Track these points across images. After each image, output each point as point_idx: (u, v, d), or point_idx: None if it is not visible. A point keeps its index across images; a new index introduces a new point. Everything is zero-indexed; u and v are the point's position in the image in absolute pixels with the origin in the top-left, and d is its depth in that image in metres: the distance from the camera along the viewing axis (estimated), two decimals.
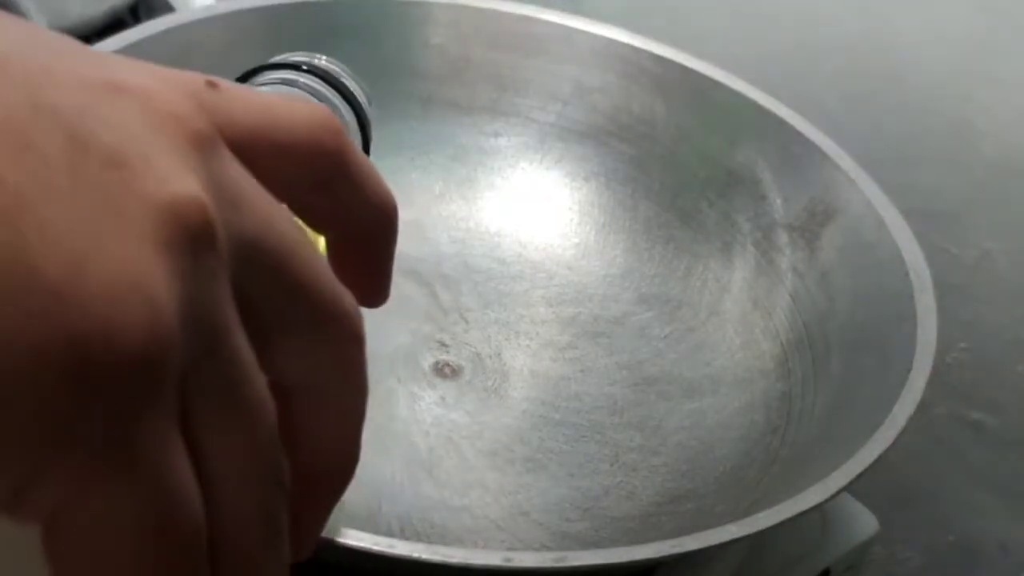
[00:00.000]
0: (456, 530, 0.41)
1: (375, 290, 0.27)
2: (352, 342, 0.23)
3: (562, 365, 0.48)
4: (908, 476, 0.55)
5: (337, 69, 0.37)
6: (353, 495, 0.41)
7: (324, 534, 0.31)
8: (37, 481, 0.19)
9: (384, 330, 0.47)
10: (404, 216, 0.50)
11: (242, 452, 0.21)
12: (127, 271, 0.19)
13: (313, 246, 0.23)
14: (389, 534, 0.39)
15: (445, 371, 0.46)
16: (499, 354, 0.47)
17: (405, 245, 0.50)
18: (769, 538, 0.35)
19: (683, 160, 0.52)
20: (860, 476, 0.36)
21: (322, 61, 0.36)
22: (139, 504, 0.19)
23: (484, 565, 0.32)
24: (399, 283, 0.49)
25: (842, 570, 0.42)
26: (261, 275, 0.21)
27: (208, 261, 0.20)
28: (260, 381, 0.21)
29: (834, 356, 0.44)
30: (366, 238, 0.26)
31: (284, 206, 0.23)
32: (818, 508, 0.35)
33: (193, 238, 0.20)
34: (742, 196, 0.50)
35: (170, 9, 0.55)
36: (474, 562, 0.32)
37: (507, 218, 0.52)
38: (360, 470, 0.41)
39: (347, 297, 0.23)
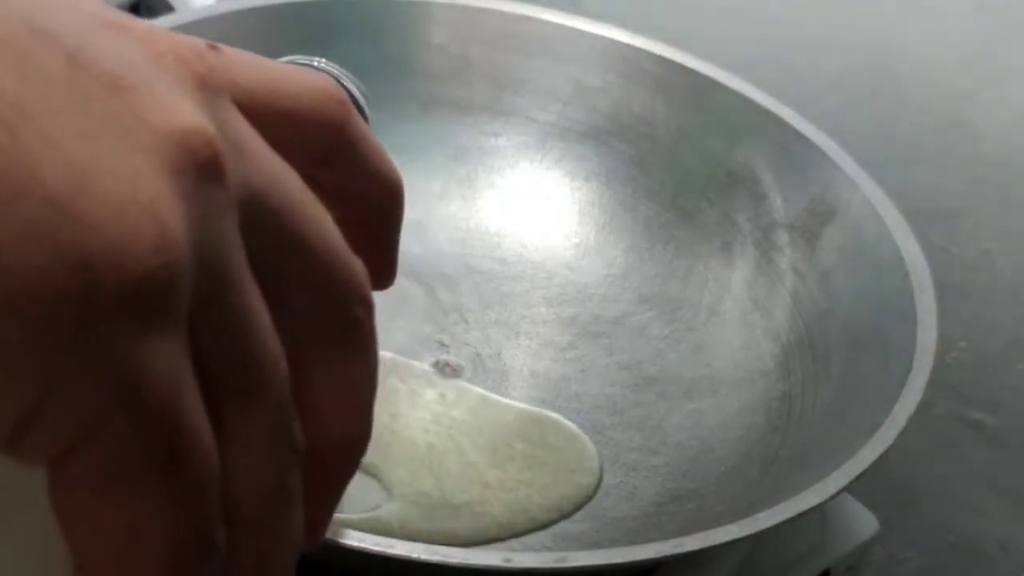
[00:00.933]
0: (457, 527, 0.41)
1: (382, 270, 0.26)
2: (362, 306, 0.22)
3: (562, 365, 0.48)
4: (908, 476, 0.55)
5: (337, 71, 0.36)
6: (354, 494, 0.41)
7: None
8: (41, 413, 0.17)
9: (384, 330, 0.47)
10: (405, 216, 0.50)
11: (255, 409, 0.20)
12: (135, 189, 0.18)
13: (321, 206, 0.22)
14: (389, 533, 0.39)
15: (446, 370, 0.46)
16: (499, 354, 0.47)
17: (405, 245, 0.51)
18: (769, 538, 0.35)
19: (683, 160, 0.52)
20: (860, 476, 0.36)
21: (322, 63, 0.36)
22: (150, 439, 0.18)
23: (484, 565, 0.32)
24: (399, 283, 0.49)
25: (842, 570, 0.42)
26: (267, 230, 0.20)
27: (216, 195, 0.19)
28: (272, 331, 0.20)
29: (834, 356, 0.44)
30: (372, 215, 0.25)
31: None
32: (818, 508, 0.35)
33: (201, 169, 0.19)
34: (742, 196, 0.50)
35: (170, 9, 0.55)
36: (474, 562, 0.32)
37: (507, 218, 0.52)
38: (360, 467, 0.41)
39: (357, 261, 0.22)
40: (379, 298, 0.53)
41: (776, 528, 0.34)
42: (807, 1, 0.66)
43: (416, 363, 0.46)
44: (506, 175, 0.53)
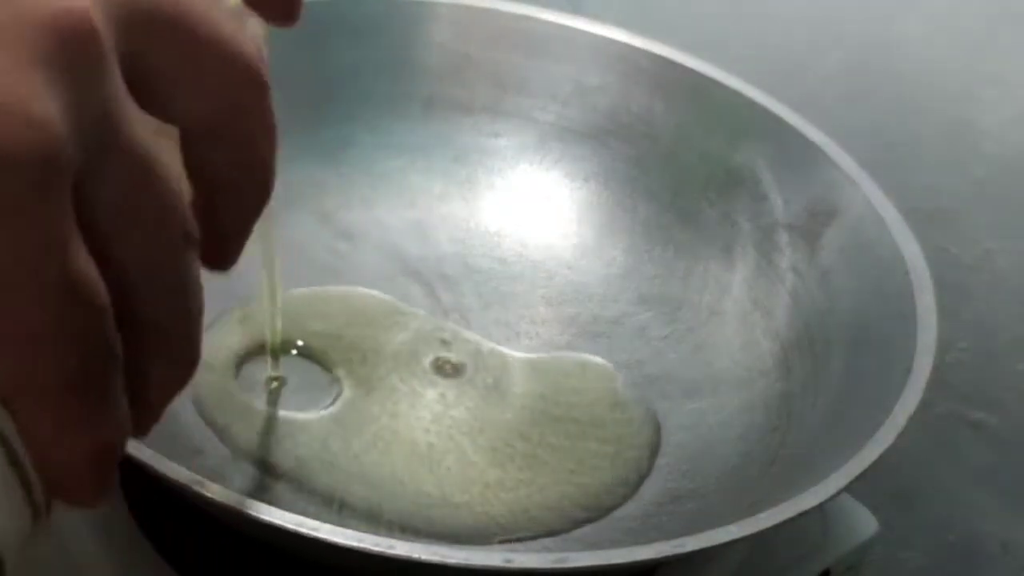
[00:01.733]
0: (456, 528, 0.41)
1: (283, 11, 0.28)
2: (256, 85, 0.24)
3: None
4: (908, 476, 0.55)
5: None
6: (353, 492, 0.41)
7: (322, 535, 0.31)
8: None
9: (385, 330, 0.47)
10: (406, 217, 0.50)
11: (144, 215, 0.22)
12: (2, 90, 0.19)
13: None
14: (390, 533, 0.39)
15: (446, 368, 0.46)
16: (500, 353, 0.47)
17: (406, 245, 0.51)
18: (769, 538, 0.35)
19: (683, 160, 0.52)
20: (860, 476, 0.36)
21: None
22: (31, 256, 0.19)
23: (484, 566, 0.32)
24: (400, 283, 0.49)
25: (842, 570, 0.42)
26: (159, 37, 0.22)
27: (91, 64, 0.20)
28: (162, 162, 0.22)
29: (834, 356, 0.44)
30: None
31: None
32: (818, 508, 0.35)
33: (73, 47, 0.20)
34: (742, 196, 0.50)
35: None
36: (474, 562, 0.32)
37: (507, 218, 0.52)
38: (360, 468, 0.41)
39: (250, 46, 0.24)
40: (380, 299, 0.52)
41: (776, 528, 0.34)
42: (807, 1, 0.66)
43: (416, 363, 0.46)
44: (506, 175, 0.53)
